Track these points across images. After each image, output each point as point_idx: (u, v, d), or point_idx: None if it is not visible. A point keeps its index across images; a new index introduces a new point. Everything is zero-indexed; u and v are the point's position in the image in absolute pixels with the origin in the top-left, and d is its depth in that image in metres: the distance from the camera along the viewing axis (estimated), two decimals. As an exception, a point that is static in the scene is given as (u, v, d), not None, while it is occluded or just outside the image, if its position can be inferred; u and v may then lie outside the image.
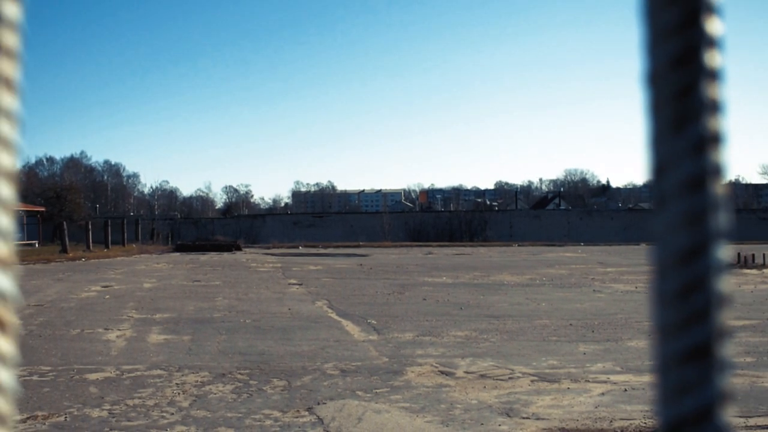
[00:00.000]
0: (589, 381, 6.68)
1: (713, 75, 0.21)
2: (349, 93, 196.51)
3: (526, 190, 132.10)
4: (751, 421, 5.32)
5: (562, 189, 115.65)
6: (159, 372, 7.12)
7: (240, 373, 7.05)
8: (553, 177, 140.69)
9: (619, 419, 5.45)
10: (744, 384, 6.46)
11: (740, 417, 5.42)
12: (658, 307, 0.21)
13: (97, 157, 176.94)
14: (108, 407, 5.83)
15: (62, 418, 5.50)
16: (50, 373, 7.07)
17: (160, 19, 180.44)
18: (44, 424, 5.37)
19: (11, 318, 0.21)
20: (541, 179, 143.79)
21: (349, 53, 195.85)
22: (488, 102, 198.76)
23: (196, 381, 6.74)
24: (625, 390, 6.32)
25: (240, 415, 5.61)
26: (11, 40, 0.21)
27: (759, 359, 7.58)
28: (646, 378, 6.88)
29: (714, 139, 0.21)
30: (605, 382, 6.65)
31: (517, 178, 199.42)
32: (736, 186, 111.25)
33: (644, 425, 5.28)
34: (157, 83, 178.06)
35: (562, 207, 79.10)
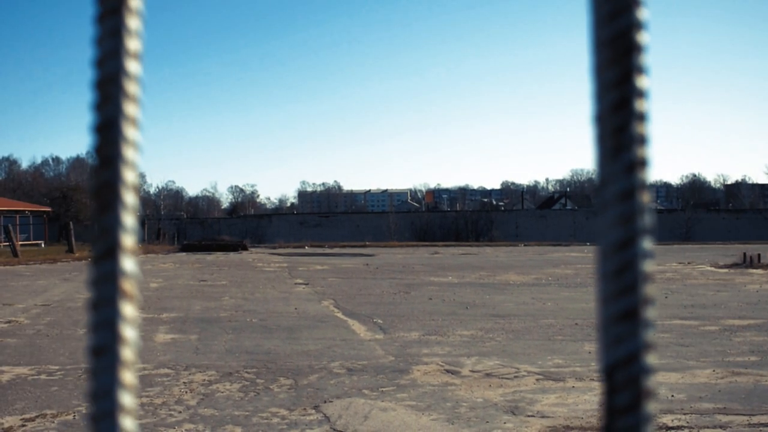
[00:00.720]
0: (594, 380, 6.73)
1: (641, 117, 0.28)
2: (355, 93, 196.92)
3: (533, 190, 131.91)
4: (755, 419, 5.37)
5: (568, 189, 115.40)
6: (166, 371, 7.20)
7: (247, 372, 7.12)
8: (560, 177, 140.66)
9: (622, 417, 5.50)
10: (748, 383, 6.51)
11: (744, 415, 5.47)
12: (601, 282, 0.28)
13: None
14: (118, 405, 5.91)
15: (71, 417, 5.58)
16: (58, 372, 7.15)
17: (165, 18, 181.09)
18: (53, 422, 5.44)
19: (135, 291, 0.27)
20: (547, 179, 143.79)
21: (355, 53, 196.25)
22: (494, 102, 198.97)
23: (204, 380, 6.82)
24: (629, 389, 6.36)
25: (247, 413, 5.68)
26: (134, 89, 0.28)
27: (763, 358, 7.61)
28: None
29: (641, 164, 0.28)
30: (609, 380, 6.70)
31: (524, 178, 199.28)
32: (743, 186, 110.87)
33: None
34: (162, 82, 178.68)
35: (568, 207, 78.93)
